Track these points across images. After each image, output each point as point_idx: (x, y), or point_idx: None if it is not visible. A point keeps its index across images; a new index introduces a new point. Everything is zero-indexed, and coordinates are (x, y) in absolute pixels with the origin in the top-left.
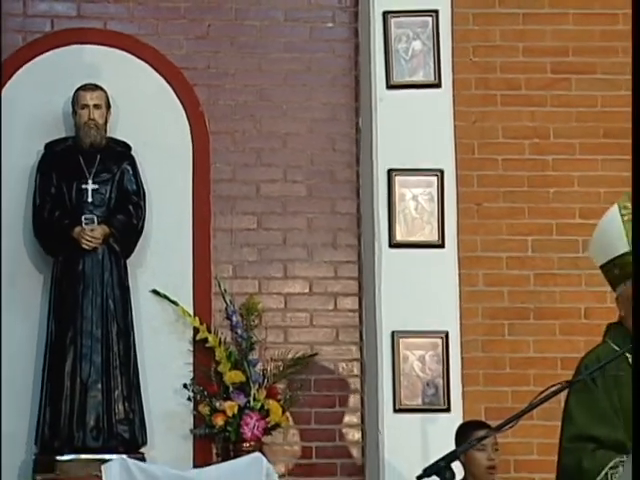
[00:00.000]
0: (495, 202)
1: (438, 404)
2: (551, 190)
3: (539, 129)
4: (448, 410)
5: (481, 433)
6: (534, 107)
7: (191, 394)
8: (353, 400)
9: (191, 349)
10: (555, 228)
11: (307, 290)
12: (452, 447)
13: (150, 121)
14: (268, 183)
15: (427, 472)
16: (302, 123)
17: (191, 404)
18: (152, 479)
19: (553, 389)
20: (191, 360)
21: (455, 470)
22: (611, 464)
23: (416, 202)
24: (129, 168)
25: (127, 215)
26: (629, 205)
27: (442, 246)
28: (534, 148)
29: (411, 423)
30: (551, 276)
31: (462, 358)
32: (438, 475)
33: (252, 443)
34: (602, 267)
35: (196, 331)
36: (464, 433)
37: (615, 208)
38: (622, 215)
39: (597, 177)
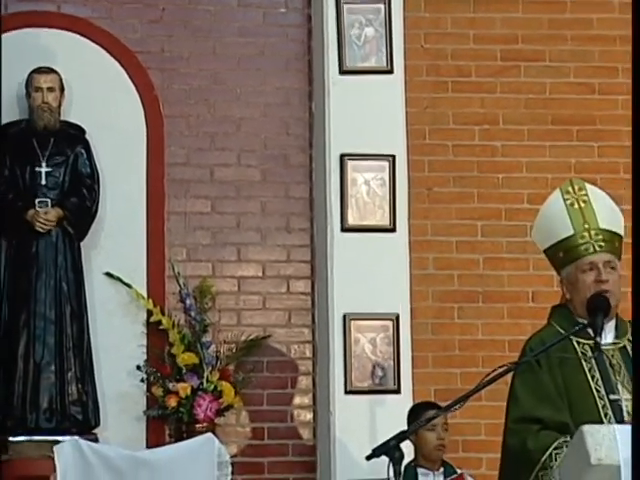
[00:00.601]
0: (445, 187)
1: (388, 386)
2: (500, 176)
3: (489, 115)
4: (398, 392)
5: (431, 413)
6: (484, 94)
7: (144, 376)
8: (305, 382)
9: (144, 331)
10: (504, 213)
11: (260, 273)
12: (401, 428)
13: (104, 104)
14: (222, 167)
15: (376, 452)
16: (256, 107)
17: (144, 386)
18: (105, 460)
19: (499, 371)
20: (144, 342)
21: (405, 450)
22: (555, 445)
23: (368, 187)
24: (83, 151)
25: (81, 198)
26: (571, 190)
27: (393, 230)
28: (484, 134)
29: (361, 404)
30: (500, 260)
31: (412, 340)
32: (387, 455)
33: (205, 424)
34: (546, 251)
35: (150, 313)
36: (416, 413)
37: (557, 193)
38: (565, 200)
39: (545, 163)
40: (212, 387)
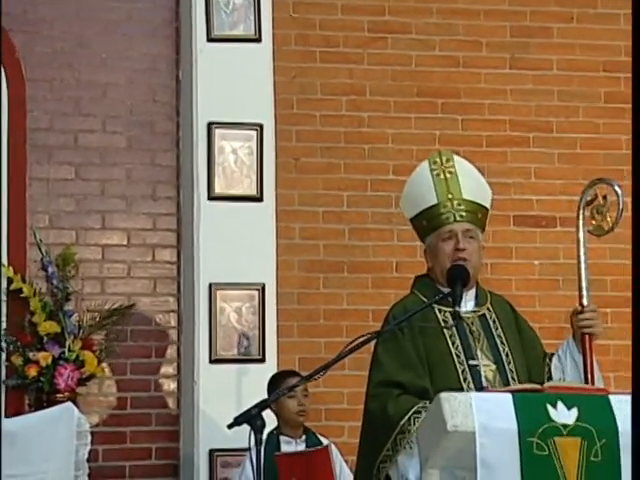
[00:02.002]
0: (313, 157)
1: (253, 355)
2: (366, 146)
3: (356, 86)
4: (263, 361)
5: (292, 381)
6: (352, 65)
7: (3, 344)
8: (170, 351)
9: (4, 299)
10: (369, 184)
11: (125, 241)
12: (266, 397)
13: None
14: (86, 133)
15: (238, 420)
16: (122, 73)
17: (3, 355)
18: None
19: (361, 339)
20: (4, 310)
21: (268, 420)
22: (414, 409)
23: (235, 155)
24: None
25: None
26: (438, 160)
27: (260, 200)
28: (351, 105)
29: (226, 374)
30: (365, 231)
31: (278, 310)
32: (249, 423)
33: (66, 394)
34: (412, 220)
35: (10, 281)
36: (276, 382)
37: (425, 164)
38: (432, 170)
39: (410, 135)
40: (74, 356)
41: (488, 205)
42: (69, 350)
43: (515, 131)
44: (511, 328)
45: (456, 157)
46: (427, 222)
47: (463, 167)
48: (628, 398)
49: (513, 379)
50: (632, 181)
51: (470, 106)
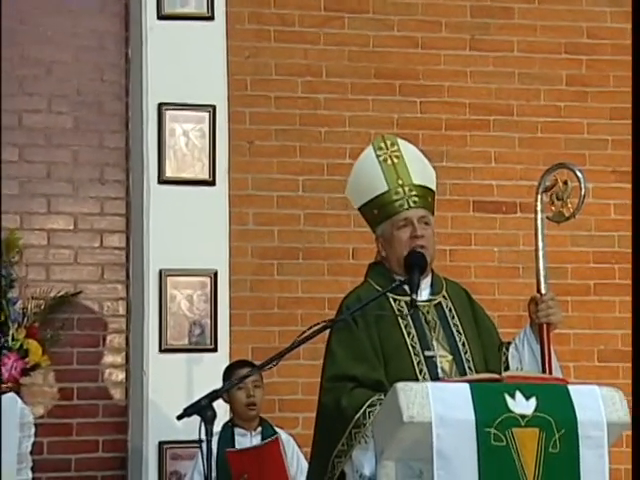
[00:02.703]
0: (267, 140)
1: (205, 344)
2: (322, 129)
3: (312, 67)
4: (215, 350)
5: (244, 372)
6: (307, 45)
7: None
8: (117, 340)
9: None
10: (326, 168)
11: (71, 226)
12: (218, 387)
13: None
14: (31, 113)
15: (188, 411)
16: (68, 51)
17: None
18: None
19: (315, 329)
20: None
21: (222, 411)
22: (369, 402)
23: (187, 138)
24: None
25: None
26: (383, 145)
27: (213, 184)
28: (307, 86)
29: (177, 363)
30: (321, 216)
31: (230, 298)
32: (199, 414)
33: (9, 384)
34: (361, 208)
35: None
36: (230, 373)
37: (370, 150)
38: (378, 156)
39: (368, 117)
40: (18, 345)
41: (435, 187)
42: (13, 339)
43: (475, 114)
44: (467, 316)
45: (400, 140)
46: (378, 210)
47: (408, 150)
48: (588, 388)
49: (470, 369)
50: (632, 181)
51: (429, 88)
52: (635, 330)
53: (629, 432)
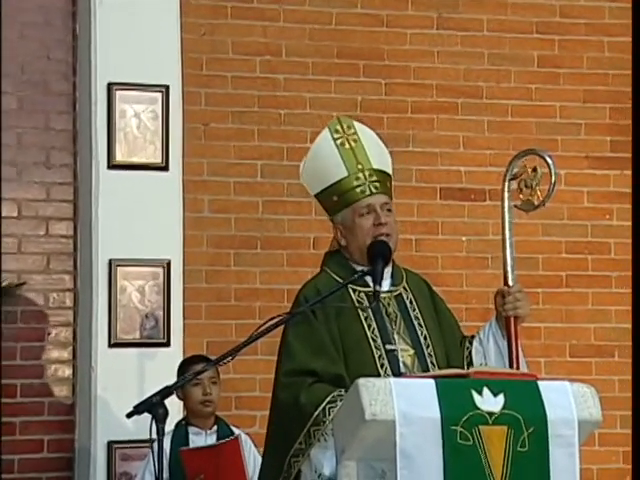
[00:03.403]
0: (223, 123)
1: (157, 338)
2: (282, 111)
3: (271, 46)
4: (168, 344)
5: (199, 367)
6: (266, 22)
7: None
8: (64, 334)
9: None
10: (285, 152)
11: (15, 213)
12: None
13: None
14: None
15: (138, 409)
16: (12, 27)
17: None
18: None
19: (273, 322)
20: None
21: (175, 408)
22: (329, 399)
23: (138, 120)
24: None
25: None
26: (340, 128)
27: (166, 169)
28: (265, 66)
29: (127, 358)
30: (280, 203)
31: (184, 289)
32: (150, 412)
33: None
34: (318, 195)
35: None
36: (184, 369)
37: (326, 133)
38: (335, 139)
39: (330, 99)
40: None
41: (391, 172)
42: None
43: (442, 97)
44: (428, 309)
45: (356, 123)
46: (338, 197)
47: (366, 134)
48: (558, 384)
49: (432, 364)
50: (632, 182)
51: (394, 69)
52: (635, 329)
53: (601, 430)
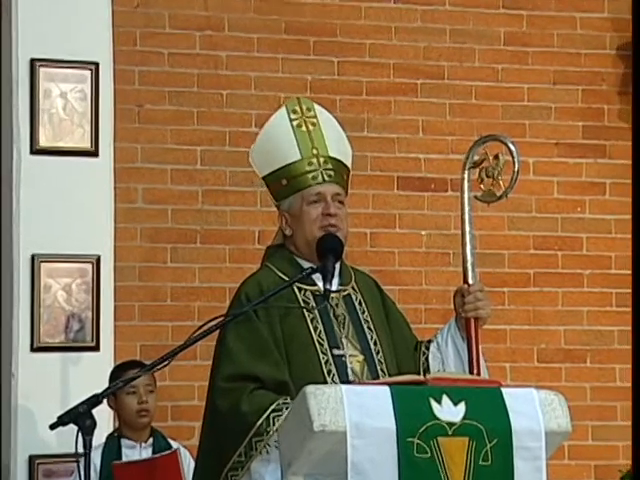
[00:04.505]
0: (159, 104)
1: (85, 341)
2: (224, 92)
3: (212, 20)
4: (97, 349)
5: (133, 373)
6: None
7: None
8: None
9: None
10: (228, 137)
11: None
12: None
13: None
14: None
15: (63, 419)
16: None
17: None
18: None
19: (213, 323)
20: None
21: (105, 419)
22: (273, 407)
23: (65, 100)
24: None
25: None
26: (298, 109)
27: (95, 154)
28: (206, 42)
29: (52, 364)
30: (222, 193)
31: (115, 287)
32: (76, 423)
33: None
34: (266, 177)
35: None
36: (117, 375)
37: (283, 112)
38: (292, 120)
39: (277, 79)
40: None
41: (350, 165)
42: None
43: (400, 77)
44: (378, 311)
45: (317, 106)
46: (287, 181)
47: (325, 118)
48: (524, 392)
49: (383, 372)
50: (632, 181)
51: (348, 46)
52: (635, 330)
53: (571, 442)
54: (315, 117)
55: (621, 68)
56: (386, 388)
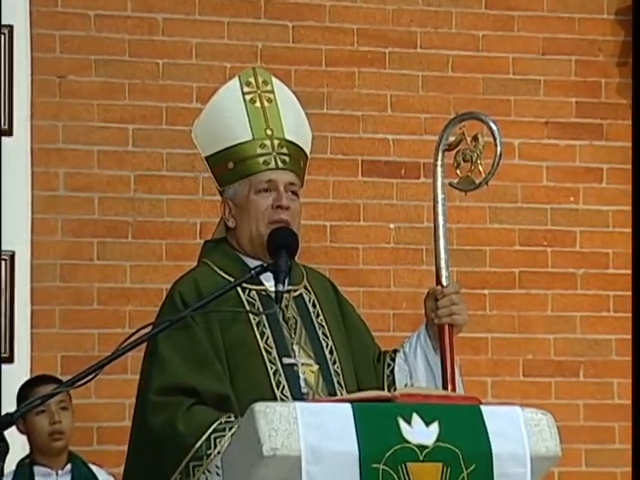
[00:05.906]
0: (84, 75)
1: None
2: (161, 61)
3: None
4: (10, 360)
5: (46, 390)
6: None
7: None
8: None
9: None
10: (165, 113)
11: None
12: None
13: None
14: None
15: None
16: None
17: None
18: None
19: (146, 331)
20: None
21: (19, 444)
22: (215, 426)
23: None
24: None
25: None
26: (253, 81)
27: (9, 133)
28: (139, 3)
29: None
30: (158, 179)
31: (32, 289)
32: None
33: None
34: (209, 158)
35: None
36: (26, 392)
37: (235, 83)
38: (244, 93)
39: (222, 46)
40: None
41: (309, 152)
42: None
43: (366, 45)
44: (334, 316)
45: (275, 80)
46: (235, 165)
47: (284, 95)
48: (506, 410)
49: (339, 384)
50: (632, 166)
51: (304, 9)
52: (635, 339)
53: (562, 468)
54: (272, 92)
55: (620, 36)
56: (347, 406)
